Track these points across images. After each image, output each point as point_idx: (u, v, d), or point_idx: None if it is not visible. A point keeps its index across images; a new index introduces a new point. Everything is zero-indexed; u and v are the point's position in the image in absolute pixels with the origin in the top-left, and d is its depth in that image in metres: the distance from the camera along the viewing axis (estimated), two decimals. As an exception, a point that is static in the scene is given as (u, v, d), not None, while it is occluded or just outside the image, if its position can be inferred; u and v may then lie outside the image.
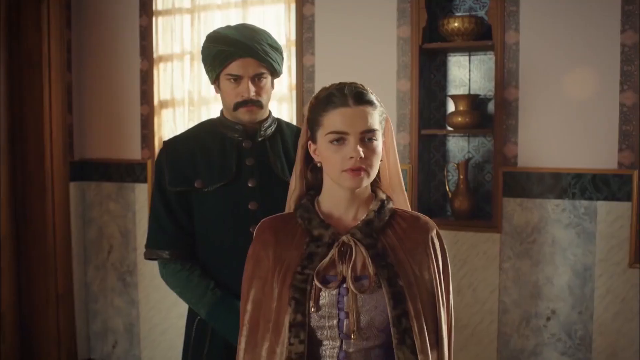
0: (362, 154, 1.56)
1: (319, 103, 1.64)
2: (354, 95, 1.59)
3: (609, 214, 3.34)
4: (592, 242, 3.37)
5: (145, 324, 4.47)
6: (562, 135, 3.42)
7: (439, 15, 3.79)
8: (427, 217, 1.75)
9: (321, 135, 1.62)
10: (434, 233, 1.72)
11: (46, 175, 4.22)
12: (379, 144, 1.62)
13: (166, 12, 4.26)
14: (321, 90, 1.67)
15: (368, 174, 1.60)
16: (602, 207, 3.35)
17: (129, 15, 4.36)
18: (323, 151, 1.63)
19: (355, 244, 1.61)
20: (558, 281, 3.46)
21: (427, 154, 3.88)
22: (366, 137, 1.59)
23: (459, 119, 3.60)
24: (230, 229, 2.13)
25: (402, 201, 1.78)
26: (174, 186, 2.15)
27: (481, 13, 3.72)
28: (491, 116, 3.69)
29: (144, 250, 2.24)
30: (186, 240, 2.17)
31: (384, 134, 1.69)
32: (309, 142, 1.70)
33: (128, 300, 4.52)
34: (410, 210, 1.77)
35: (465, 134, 3.75)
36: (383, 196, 1.71)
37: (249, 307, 1.68)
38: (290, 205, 1.77)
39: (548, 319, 3.49)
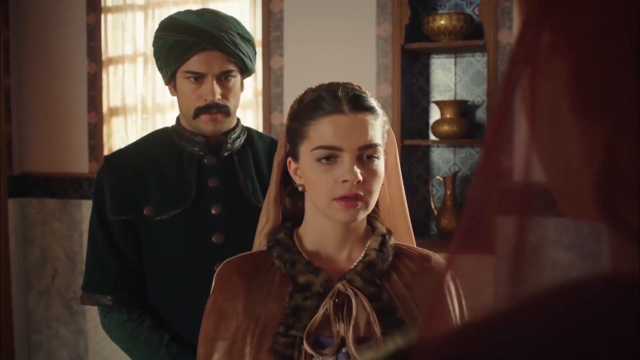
0: (359, 177, 1.25)
1: (303, 108, 1.32)
2: (350, 100, 1.28)
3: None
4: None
5: (94, 357, 4.23)
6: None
7: (422, 13, 3.59)
8: (438, 256, 1.46)
9: (305, 150, 1.30)
10: (449, 277, 1.37)
11: (-19, 192, 4.09)
12: (380, 163, 1.31)
13: (116, 9, 4.15)
14: (306, 92, 1.36)
15: (367, 204, 1.29)
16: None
17: (75, 12, 4.19)
18: (308, 172, 1.31)
19: (355, 294, 1.31)
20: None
21: (409, 167, 3.64)
22: (365, 154, 1.28)
23: (445, 127, 3.40)
24: (188, 268, 1.83)
25: (405, 236, 1.48)
26: (117, 214, 1.85)
27: (469, 10, 3.54)
28: (480, 125, 3.54)
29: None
30: (133, 283, 1.88)
31: (385, 150, 1.37)
32: (289, 159, 1.38)
33: (75, 330, 4.31)
34: (416, 247, 1.48)
35: (451, 144, 3.55)
36: (383, 229, 1.42)
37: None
38: (260, 241, 1.46)
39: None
